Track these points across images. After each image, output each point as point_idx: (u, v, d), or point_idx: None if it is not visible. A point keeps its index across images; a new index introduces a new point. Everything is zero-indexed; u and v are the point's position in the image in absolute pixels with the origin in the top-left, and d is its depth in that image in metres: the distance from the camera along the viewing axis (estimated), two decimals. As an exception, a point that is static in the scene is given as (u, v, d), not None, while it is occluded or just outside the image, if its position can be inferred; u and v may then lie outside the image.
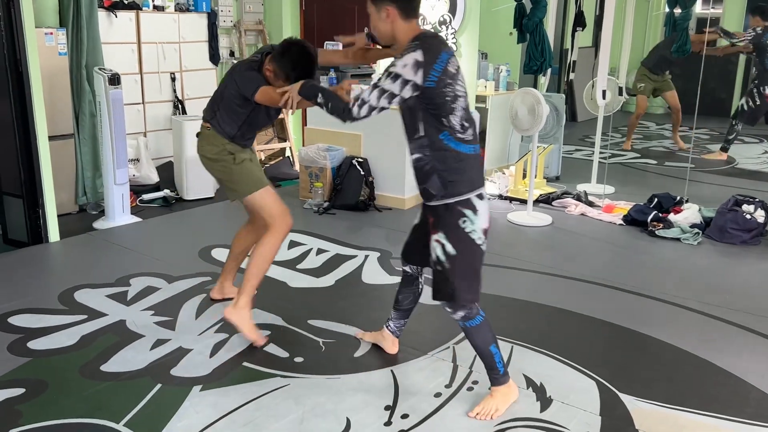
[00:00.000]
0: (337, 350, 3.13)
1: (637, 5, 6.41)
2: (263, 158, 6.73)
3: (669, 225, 4.87)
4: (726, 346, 3.24)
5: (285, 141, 6.88)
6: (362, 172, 5.33)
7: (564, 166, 6.58)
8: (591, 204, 5.50)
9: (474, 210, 2.45)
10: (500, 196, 5.81)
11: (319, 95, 2.51)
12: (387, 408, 2.68)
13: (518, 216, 5.23)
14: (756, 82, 7.16)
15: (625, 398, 2.76)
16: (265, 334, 3.22)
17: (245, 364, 2.98)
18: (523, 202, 5.43)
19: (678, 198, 5.24)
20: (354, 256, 4.30)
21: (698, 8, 9.28)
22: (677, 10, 6.93)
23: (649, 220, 4.95)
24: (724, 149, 7.43)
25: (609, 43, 5.50)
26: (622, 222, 5.11)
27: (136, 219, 5.02)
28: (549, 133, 6.20)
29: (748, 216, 4.75)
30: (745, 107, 7.20)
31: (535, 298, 3.77)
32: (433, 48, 2.35)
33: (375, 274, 4.04)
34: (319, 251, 4.41)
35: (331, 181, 5.39)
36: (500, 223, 5.16)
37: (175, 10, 5.89)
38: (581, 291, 3.90)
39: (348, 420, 2.59)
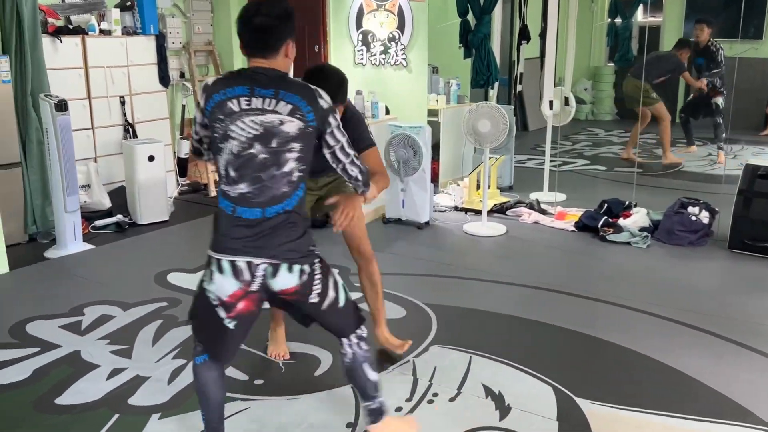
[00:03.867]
0: (297, 370, 3.13)
1: (579, 17, 6.60)
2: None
3: (619, 230, 5.00)
4: (676, 346, 3.34)
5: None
6: (318, 190, 5.34)
7: (516, 175, 6.70)
8: (544, 212, 5.61)
9: (211, 273, 2.11)
10: (456, 208, 5.88)
11: None
12: (348, 425, 2.69)
13: (473, 227, 5.31)
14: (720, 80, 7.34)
15: (581, 402, 2.82)
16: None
17: (204, 389, 2.95)
18: (478, 212, 5.51)
19: (627, 203, 5.39)
20: (312, 274, 4.30)
21: (639, 17, 9.59)
22: (618, 20, 7.16)
23: (599, 225, 5.08)
24: (721, 149, 7.53)
25: (553, 55, 5.65)
26: (574, 228, 5.23)
27: (88, 246, 4.93)
28: (501, 144, 6.31)
29: (694, 218, 4.91)
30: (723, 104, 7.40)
31: (492, 307, 3.82)
32: (229, 78, 2.14)
33: (333, 292, 4.05)
34: (277, 271, 4.40)
35: (286, 200, 5.38)
36: (456, 235, 5.23)
37: (123, 34, 5.84)
38: (537, 299, 3.98)
39: (310, 440, 2.59)
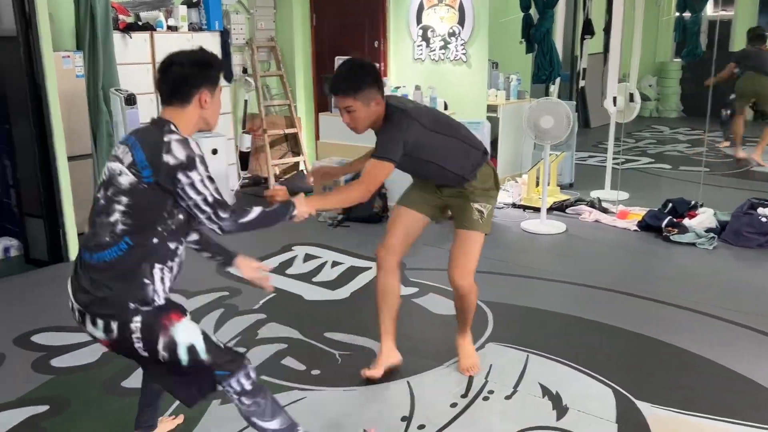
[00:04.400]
0: (354, 362, 3.16)
1: (646, 10, 6.41)
2: (277, 172, 6.80)
3: (684, 230, 4.86)
4: (742, 350, 3.23)
5: (299, 155, 6.95)
6: (375, 185, 5.37)
7: (577, 173, 6.58)
8: (605, 210, 5.49)
9: None
10: (513, 205, 5.82)
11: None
12: (403, 419, 2.70)
13: (532, 224, 5.24)
14: None
15: (641, 405, 2.76)
16: (282, 348, 3.27)
17: (263, 377, 3.01)
18: (537, 210, 5.44)
19: (693, 202, 5.22)
20: (368, 268, 4.33)
21: (709, 11, 9.26)
22: (687, 14, 6.93)
23: (663, 225, 4.94)
24: None
25: (618, 50, 5.52)
26: (636, 228, 5.10)
27: (153, 236, 5.08)
28: (562, 140, 6.20)
29: (764, 219, 4.73)
30: None
31: (550, 306, 3.78)
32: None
33: (390, 286, 4.07)
34: (334, 264, 4.45)
35: (344, 194, 5.43)
36: (514, 232, 5.18)
37: (189, 30, 5.99)
38: (597, 299, 3.90)
39: None
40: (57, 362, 3.18)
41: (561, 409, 2.74)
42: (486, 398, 2.84)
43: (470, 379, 2.99)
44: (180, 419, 2.69)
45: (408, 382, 2.97)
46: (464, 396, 2.86)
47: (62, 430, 2.65)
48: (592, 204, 5.59)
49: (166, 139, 1.99)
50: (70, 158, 4.68)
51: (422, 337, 3.46)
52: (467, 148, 2.83)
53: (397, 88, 5.84)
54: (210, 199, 2.01)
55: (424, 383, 2.97)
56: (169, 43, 5.82)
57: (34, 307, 3.84)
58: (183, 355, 2.04)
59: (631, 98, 6.03)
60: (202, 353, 2.06)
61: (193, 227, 2.21)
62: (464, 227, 2.86)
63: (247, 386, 2.12)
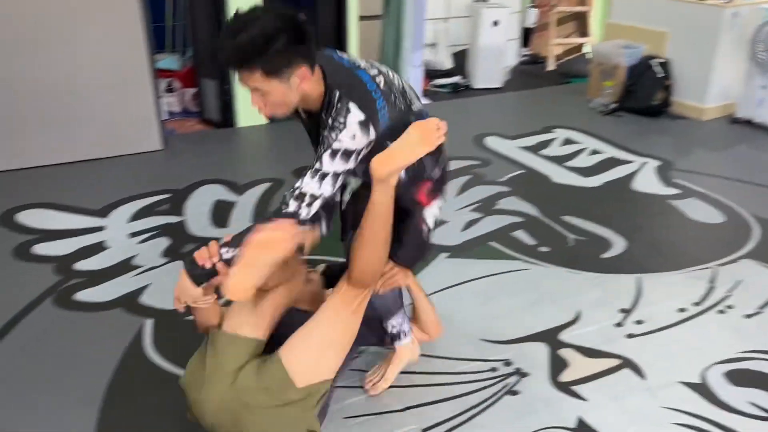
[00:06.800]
0: (586, 248, 3.09)
1: None
2: (559, 53, 6.51)
3: None
4: None
5: (585, 36, 6.56)
6: (660, 75, 4.90)
7: None
8: None
9: None
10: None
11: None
12: (622, 311, 2.62)
13: None
14: None
15: None
16: (517, 221, 3.31)
17: (491, 243, 3.12)
18: None
19: None
20: (630, 162, 4.08)
21: None
22: None
23: None
24: None
25: None
26: None
27: (425, 101, 5.32)
28: None
29: None
30: None
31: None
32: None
33: (648, 183, 3.81)
34: (594, 152, 4.26)
35: (623, 81, 5.06)
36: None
37: None
38: None
39: (579, 313, 2.60)
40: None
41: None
42: (722, 311, 2.61)
43: (710, 289, 2.76)
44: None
45: (639, 278, 2.84)
46: (697, 304, 2.66)
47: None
48: None
49: None
50: (363, 17, 5.01)
51: (669, 239, 3.23)
52: None
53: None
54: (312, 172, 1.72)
55: (656, 283, 2.81)
56: None
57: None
58: None
59: None
60: None
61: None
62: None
63: None
